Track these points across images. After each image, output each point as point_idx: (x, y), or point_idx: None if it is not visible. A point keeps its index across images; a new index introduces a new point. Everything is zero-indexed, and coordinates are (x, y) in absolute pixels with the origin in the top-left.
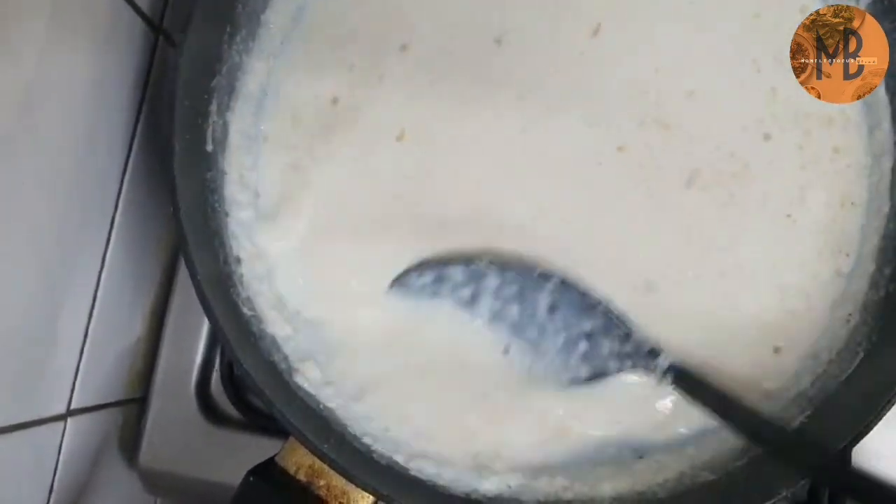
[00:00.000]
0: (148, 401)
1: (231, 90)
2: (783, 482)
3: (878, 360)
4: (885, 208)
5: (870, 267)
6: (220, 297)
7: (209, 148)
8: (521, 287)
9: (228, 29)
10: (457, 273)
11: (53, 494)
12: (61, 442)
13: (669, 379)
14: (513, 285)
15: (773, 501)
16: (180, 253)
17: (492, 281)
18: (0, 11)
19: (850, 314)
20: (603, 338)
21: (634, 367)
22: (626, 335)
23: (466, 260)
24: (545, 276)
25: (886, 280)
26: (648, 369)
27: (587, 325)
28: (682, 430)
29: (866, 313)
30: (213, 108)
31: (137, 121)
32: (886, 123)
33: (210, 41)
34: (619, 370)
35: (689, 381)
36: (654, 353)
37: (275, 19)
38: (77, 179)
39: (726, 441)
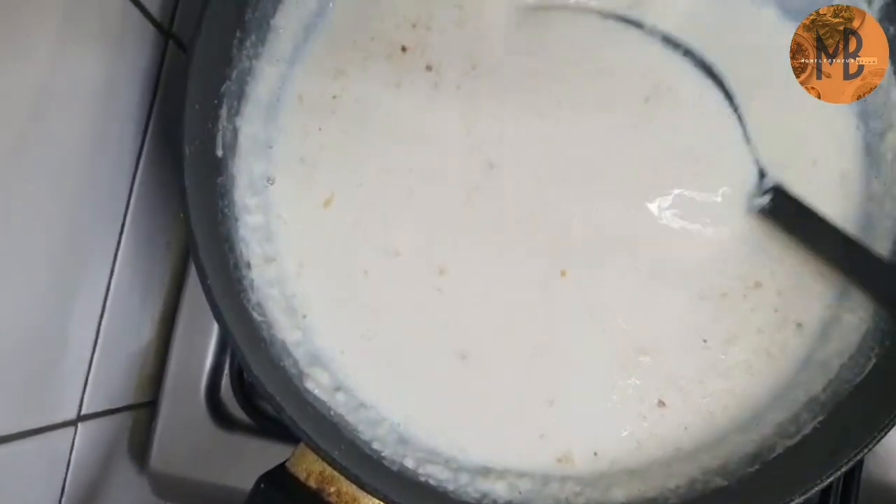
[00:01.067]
0: (158, 405)
1: (241, 95)
2: (795, 489)
3: (890, 366)
4: None
5: None
6: (230, 303)
7: (219, 153)
8: None
9: (238, 34)
10: None
11: (64, 499)
12: (72, 447)
13: (766, 200)
14: None
15: None
16: (190, 258)
17: None
18: (13, 17)
19: (861, 318)
20: None
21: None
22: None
23: None
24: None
25: None
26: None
27: None
28: None
29: (878, 318)
30: (223, 113)
31: (147, 125)
32: None
33: (219, 46)
34: None
35: (786, 203)
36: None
37: (285, 24)
38: (88, 183)
39: (739, 447)
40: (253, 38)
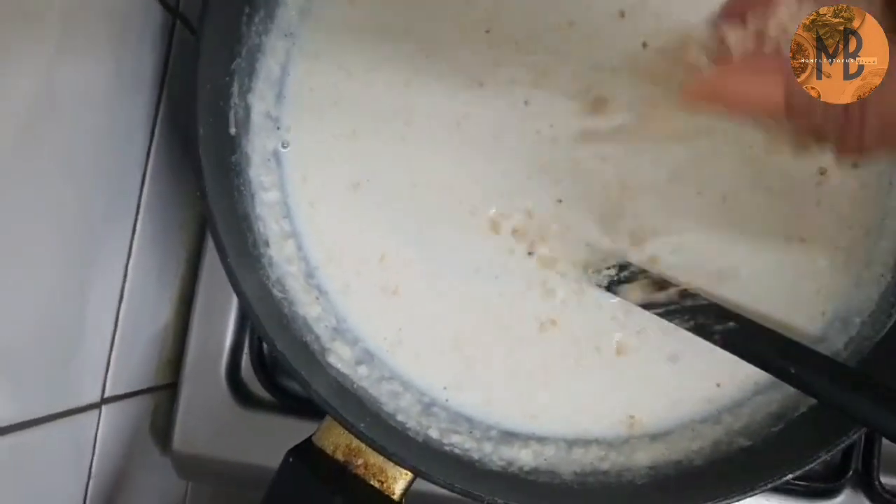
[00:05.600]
0: (179, 386)
1: (252, 72)
2: (820, 447)
3: None
4: None
5: None
6: (250, 280)
7: (232, 131)
8: None
9: (246, 10)
10: None
11: (91, 481)
12: (97, 430)
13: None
14: None
15: (809, 466)
16: (207, 237)
17: None
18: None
19: (881, 275)
20: None
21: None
22: None
23: None
24: None
25: None
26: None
27: None
28: None
29: None
30: (235, 90)
31: (158, 106)
32: None
33: (228, 23)
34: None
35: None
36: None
37: None
38: (100, 168)
39: (762, 407)
40: (262, 13)
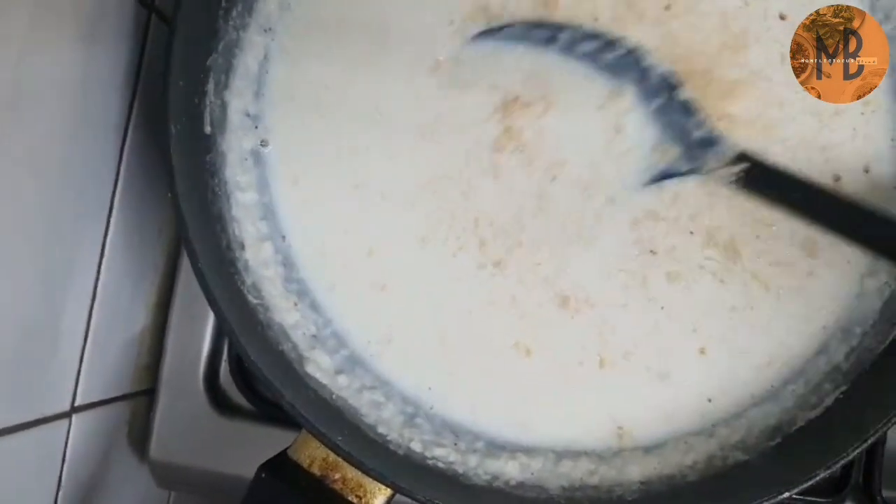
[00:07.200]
0: (156, 393)
1: (228, 68)
2: (819, 463)
3: None
4: None
5: None
6: (223, 285)
7: (207, 130)
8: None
9: (223, 4)
10: None
11: (61, 493)
12: (67, 439)
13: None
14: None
15: (807, 484)
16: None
17: None
18: None
19: (886, 282)
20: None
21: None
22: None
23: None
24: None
25: None
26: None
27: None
28: None
29: None
30: (210, 87)
31: (132, 104)
32: None
33: (204, 18)
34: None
35: (765, 173)
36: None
37: None
38: (70, 168)
39: (758, 420)
40: (239, 7)
